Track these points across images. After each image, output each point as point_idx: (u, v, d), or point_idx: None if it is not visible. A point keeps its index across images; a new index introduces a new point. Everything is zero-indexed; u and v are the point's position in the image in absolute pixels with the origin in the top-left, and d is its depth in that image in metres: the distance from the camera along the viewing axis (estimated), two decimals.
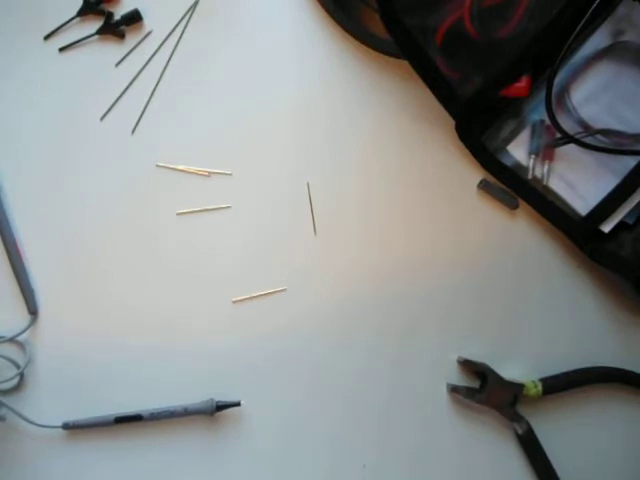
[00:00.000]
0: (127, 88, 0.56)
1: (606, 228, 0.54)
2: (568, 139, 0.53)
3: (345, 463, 0.54)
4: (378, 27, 0.54)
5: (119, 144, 0.56)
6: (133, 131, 0.56)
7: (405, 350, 0.55)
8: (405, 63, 0.54)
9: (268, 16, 0.57)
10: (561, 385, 0.54)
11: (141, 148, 0.56)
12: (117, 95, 0.56)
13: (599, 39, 0.54)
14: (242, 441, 0.54)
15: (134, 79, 0.56)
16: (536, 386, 0.54)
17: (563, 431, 0.55)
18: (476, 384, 0.55)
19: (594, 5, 0.50)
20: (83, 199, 0.55)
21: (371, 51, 0.57)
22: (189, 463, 0.53)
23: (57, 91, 0.56)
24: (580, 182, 0.55)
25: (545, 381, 0.54)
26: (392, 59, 0.57)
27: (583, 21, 0.50)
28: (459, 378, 0.55)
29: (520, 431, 0.54)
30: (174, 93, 0.56)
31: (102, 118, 0.56)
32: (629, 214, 0.53)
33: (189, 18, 0.56)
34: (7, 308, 0.54)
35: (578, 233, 0.54)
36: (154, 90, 0.56)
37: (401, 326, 0.55)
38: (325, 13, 0.57)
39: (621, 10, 0.54)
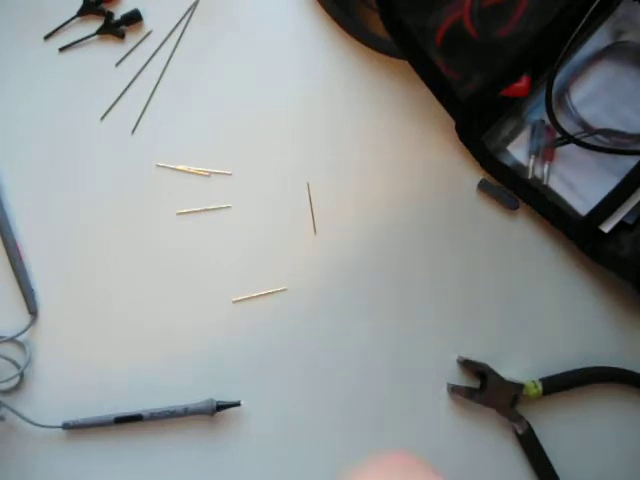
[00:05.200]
0: (127, 88, 0.56)
1: (606, 228, 0.53)
2: (568, 139, 0.53)
3: (345, 463, 0.54)
4: (378, 27, 0.54)
5: (119, 144, 0.56)
6: (133, 131, 0.56)
7: (405, 350, 0.55)
8: (405, 63, 0.54)
9: (268, 16, 0.57)
10: (561, 385, 0.54)
11: (141, 148, 0.56)
12: (117, 95, 0.56)
13: (599, 39, 0.54)
14: (242, 441, 0.54)
15: (134, 79, 0.56)
16: (536, 386, 0.54)
17: (563, 431, 0.55)
18: (476, 384, 0.55)
19: (594, 5, 0.50)
20: (83, 199, 0.55)
21: (371, 51, 0.57)
22: (189, 463, 0.53)
23: (57, 91, 0.56)
24: (580, 182, 0.55)
25: (545, 381, 0.54)
26: (392, 59, 0.57)
27: (583, 21, 0.50)
28: (459, 378, 0.55)
29: (520, 431, 0.54)
30: (174, 93, 0.56)
31: (102, 118, 0.56)
32: (629, 214, 0.53)
33: (189, 18, 0.56)
34: (7, 308, 0.54)
35: (578, 233, 0.54)
36: (154, 90, 0.56)
37: (401, 326, 0.55)
38: (325, 13, 0.57)
39: (621, 10, 0.54)
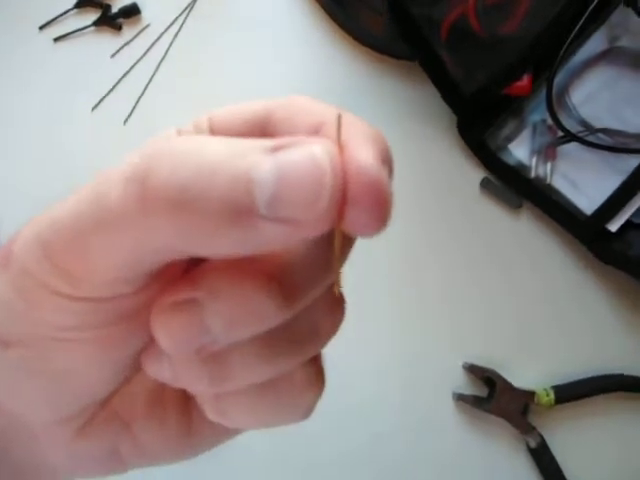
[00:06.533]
0: (122, 78, 0.54)
1: (613, 227, 0.52)
2: (570, 137, 0.53)
3: (348, 473, 0.49)
4: (377, 27, 0.55)
5: (111, 134, 0.54)
6: (125, 122, 0.54)
7: (407, 356, 0.52)
8: (406, 64, 0.54)
9: (266, 12, 0.57)
10: (575, 393, 0.51)
11: (133, 139, 0.53)
12: (111, 86, 0.54)
13: (595, 44, 0.55)
14: (241, 443, 0.49)
15: (129, 70, 0.55)
16: (548, 394, 0.50)
17: (576, 442, 0.51)
18: (484, 392, 0.51)
19: (591, 7, 0.50)
20: (72, 188, 0.53)
21: (371, 51, 0.57)
22: (188, 463, 0.48)
23: (50, 80, 0.54)
24: (584, 181, 0.54)
25: (558, 389, 0.50)
26: (392, 59, 0.56)
27: (580, 24, 0.51)
28: (466, 386, 0.52)
29: (532, 444, 0.50)
30: (169, 86, 0.55)
31: (94, 108, 0.54)
32: (636, 213, 0.52)
33: (187, 13, 0.56)
34: None
35: (584, 232, 0.53)
36: (149, 82, 0.55)
37: (404, 331, 0.52)
38: (324, 13, 0.57)
39: (616, 16, 0.55)
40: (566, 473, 0.50)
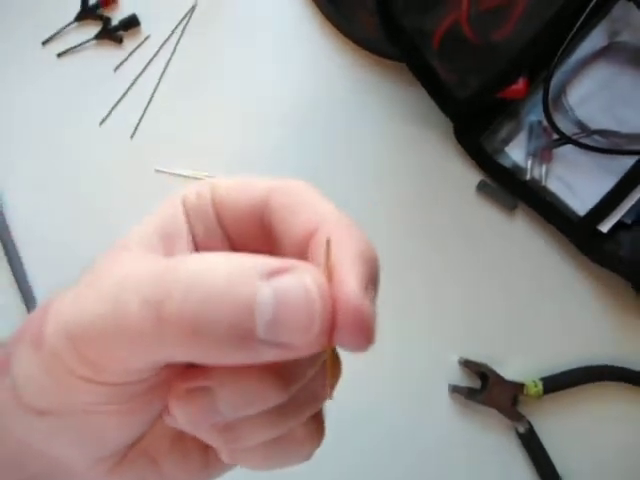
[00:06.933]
0: (126, 93, 0.56)
1: (604, 228, 0.54)
2: (566, 140, 0.54)
3: (344, 465, 0.54)
4: (372, 28, 0.55)
5: (118, 149, 0.56)
6: (132, 136, 0.56)
7: (405, 351, 0.55)
8: (403, 66, 0.54)
9: (266, 21, 0.57)
10: (562, 384, 0.55)
11: (140, 153, 0.56)
12: (116, 100, 0.56)
13: (595, 40, 0.55)
14: None
15: (132, 84, 0.56)
16: (536, 385, 0.54)
17: (564, 430, 0.55)
18: (477, 384, 0.55)
19: (590, 6, 0.50)
20: (82, 204, 0.55)
21: (369, 54, 0.57)
22: None
23: (56, 96, 0.56)
24: (578, 183, 0.55)
25: (545, 380, 0.54)
26: (390, 62, 0.57)
27: (579, 23, 0.50)
28: (460, 379, 0.56)
29: (521, 430, 0.54)
30: (173, 97, 0.56)
31: (101, 123, 0.56)
32: (627, 214, 0.53)
33: (186, 23, 0.56)
34: (7, 310, 0.54)
35: (576, 233, 0.55)
36: (153, 94, 0.56)
37: (400, 327, 0.55)
38: (323, 17, 0.57)
39: (616, 11, 0.54)
40: (554, 457, 0.54)
